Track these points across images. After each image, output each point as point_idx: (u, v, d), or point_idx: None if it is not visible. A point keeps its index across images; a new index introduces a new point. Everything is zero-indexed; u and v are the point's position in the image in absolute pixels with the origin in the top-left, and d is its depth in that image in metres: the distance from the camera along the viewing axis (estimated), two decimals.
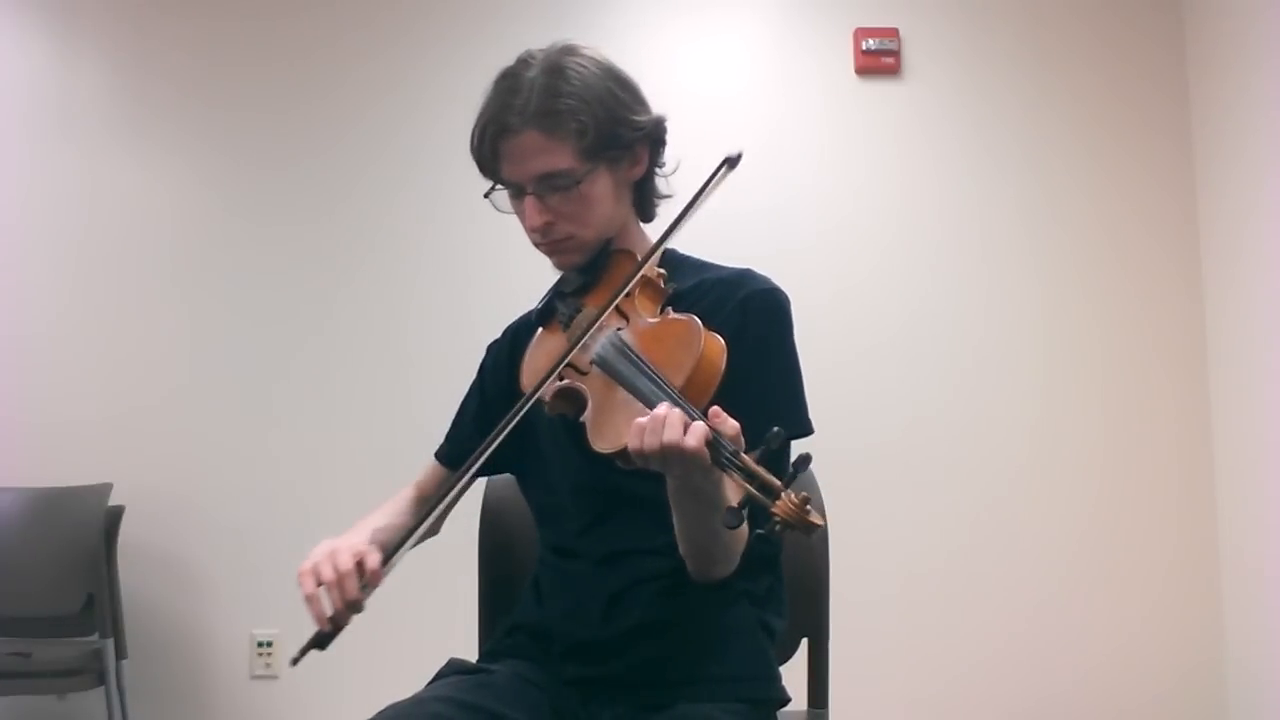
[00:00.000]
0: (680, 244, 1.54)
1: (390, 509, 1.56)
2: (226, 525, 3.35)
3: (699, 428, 1.12)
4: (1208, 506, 3.42)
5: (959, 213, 3.51)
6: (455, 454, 1.60)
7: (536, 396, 1.34)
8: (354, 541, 1.35)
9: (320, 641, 1.27)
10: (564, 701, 1.38)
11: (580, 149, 1.38)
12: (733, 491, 1.12)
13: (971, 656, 3.36)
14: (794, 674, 1.58)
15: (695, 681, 1.37)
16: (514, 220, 1.47)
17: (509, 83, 1.41)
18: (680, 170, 1.52)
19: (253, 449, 3.39)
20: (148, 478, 3.30)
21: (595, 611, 1.40)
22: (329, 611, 1.27)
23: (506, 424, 1.31)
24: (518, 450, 1.45)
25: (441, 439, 1.66)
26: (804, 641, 1.66)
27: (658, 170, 1.50)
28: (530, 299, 1.59)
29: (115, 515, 3.10)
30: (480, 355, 1.66)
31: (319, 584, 1.29)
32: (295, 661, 1.29)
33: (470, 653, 1.55)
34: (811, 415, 1.42)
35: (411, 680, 1.45)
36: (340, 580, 1.28)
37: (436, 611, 2.64)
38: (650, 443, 1.13)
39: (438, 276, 3.45)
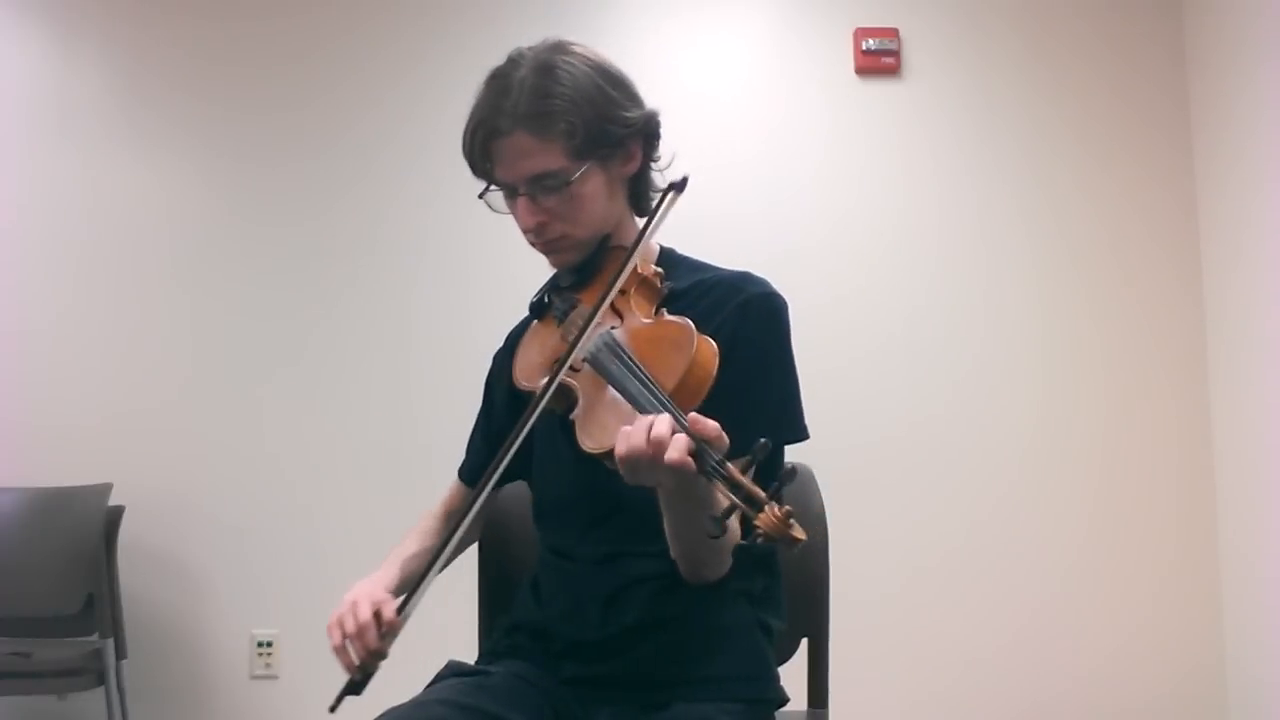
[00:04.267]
0: (681, 242, 1.55)
1: (420, 530, 1.59)
2: (226, 525, 3.35)
3: (682, 440, 1.11)
4: (1208, 506, 3.42)
5: (959, 213, 3.51)
6: (471, 469, 1.64)
7: (531, 393, 1.34)
8: (375, 589, 1.41)
9: (353, 688, 1.33)
10: (562, 702, 1.38)
11: (570, 148, 1.38)
12: (723, 495, 1.11)
13: (971, 656, 3.36)
14: (794, 674, 1.57)
15: (693, 681, 1.37)
16: (513, 219, 1.47)
17: (499, 83, 1.40)
18: (678, 169, 1.52)
19: (253, 449, 3.39)
20: (148, 478, 3.30)
21: (593, 611, 1.40)
22: (355, 662, 1.34)
23: (510, 445, 1.32)
24: (524, 454, 1.45)
25: (443, 441, 1.68)
26: (804, 641, 1.66)
27: (653, 165, 1.50)
28: (530, 298, 1.60)
29: (115, 515, 3.10)
30: (481, 356, 1.67)
31: (344, 637, 1.35)
32: (333, 708, 1.34)
33: (469, 653, 1.55)
34: (811, 417, 1.41)
35: (410, 681, 1.45)
36: (361, 632, 1.34)
37: (435, 611, 2.64)
38: (636, 453, 1.12)
39: (438, 276, 3.45)
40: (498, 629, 1.55)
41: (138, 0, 3.52)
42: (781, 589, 1.50)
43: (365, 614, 1.35)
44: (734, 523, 1.12)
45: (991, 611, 3.38)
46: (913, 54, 3.54)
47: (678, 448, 1.11)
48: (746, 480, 1.09)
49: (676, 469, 1.11)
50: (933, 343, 3.46)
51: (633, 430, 1.13)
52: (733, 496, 1.09)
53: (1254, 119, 3.22)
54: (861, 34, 3.52)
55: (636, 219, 1.51)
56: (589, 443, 1.23)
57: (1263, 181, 3.18)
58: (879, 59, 3.52)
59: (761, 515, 1.06)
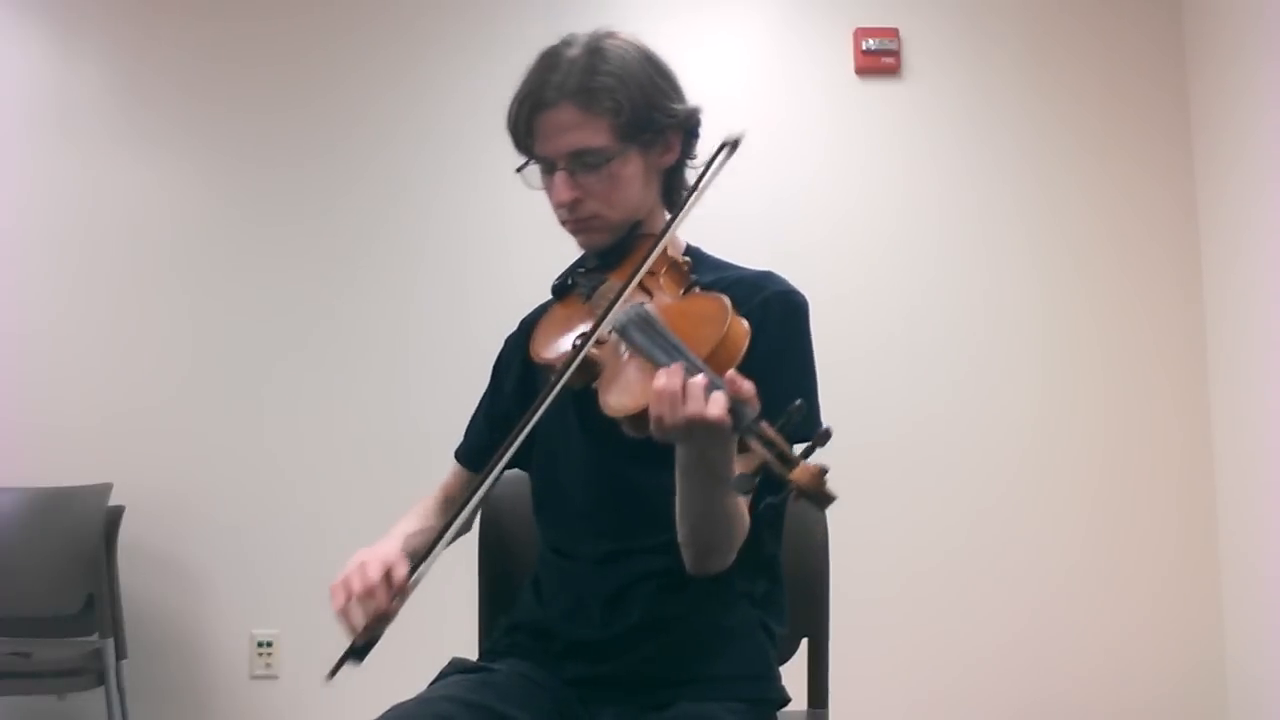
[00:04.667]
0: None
1: (420, 511, 1.56)
2: (226, 525, 3.35)
3: (720, 396, 1.11)
4: (1208, 507, 3.42)
5: (959, 213, 3.51)
6: (471, 451, 1.61)
7: (550, 366, 1.32)
8: (384, 551, 1.34)
9: (356, 653, 1.26)
10: (565, 701, 1.38)
11: (615, 128, 1.39)
12: (758, 451, 1.10)
13: (971, 656, 3.36)
14: (794, 674, 1.57)
15: (695, 681, 1.37)
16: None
17: (549, 60, 1.42)
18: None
19: (253, 449, 3.39)
20: (148, 478, 3.30)
21: (595, 610, 1.40)
22: (360, 624, 1.27)
23: (534, 411, 1.29)
24: (527, 439, 1.45)
25: (442, 441, 1.66)
26: (804, 641, 1.66)
27: (688, 162, 1.51)
28: (531, 297, 1.60)
29: (115, 515, 3.10)
30: (481, 356, 1.66)
31: (349, 597, 1.28)
32: (332, 674, 1.27)
33: (469, 653, 1.55)
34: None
35: (411, 679, 1.45)
36: (370, 592, 1.27)
37: (436, 610, 2.65)
38: (673, 409, 1.12)
39: (438, 276, 3.45)
40: (498, 629, 1.54)
41: (138, 0, 3.52)
42: (784, 595, 1.49)
43: (375, 574, 1.28)
44: (744, 510, 1.11)
45: (991, 611, 3.38)
46: (913, 54, 3.54)
47: (717, 403, 1.10)
48: (781, 439, 1.09)
49: (714, 424, 1.10)
50: (933, 343, 3.46)
51: (668, 373, 1.13)
52: (767, 453, 1.08)
53: (1254, 119, 3.22)
54: (861, 34, 3.52)
55: (666, 212, 1.51)
56: (613, 402, 1.21)
57: (1263, 181, 3.18)
58: (879, 59, 3.52)
59: (796, 471, 1.06)
